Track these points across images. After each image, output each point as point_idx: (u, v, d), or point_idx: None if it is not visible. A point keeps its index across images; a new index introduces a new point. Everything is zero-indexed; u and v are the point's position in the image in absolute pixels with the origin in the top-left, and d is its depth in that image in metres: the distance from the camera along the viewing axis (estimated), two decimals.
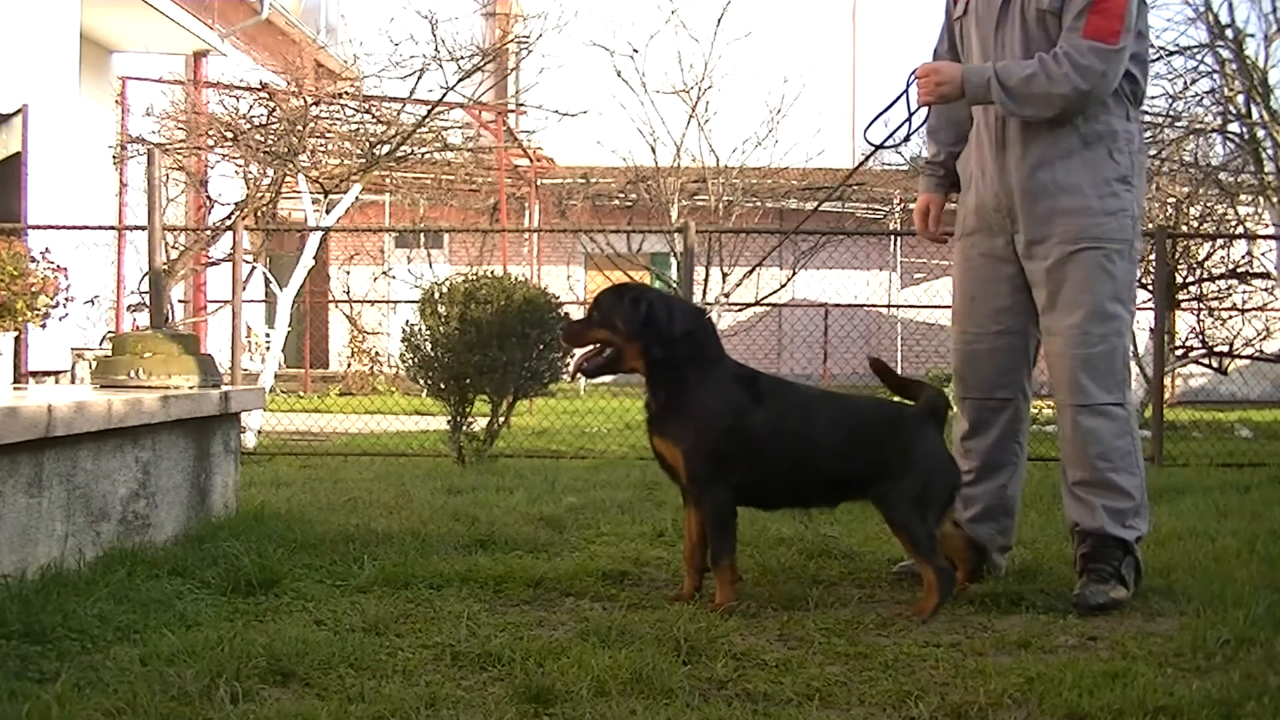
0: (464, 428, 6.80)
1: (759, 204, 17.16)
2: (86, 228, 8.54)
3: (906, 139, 3.52)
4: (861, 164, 4.21)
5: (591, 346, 3.35)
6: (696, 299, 9.28)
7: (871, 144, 3.59)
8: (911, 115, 3.45)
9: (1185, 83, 10.80)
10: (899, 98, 3.45)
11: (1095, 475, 3.28)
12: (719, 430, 3.20)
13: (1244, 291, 11.32)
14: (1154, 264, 7.62)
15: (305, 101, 9.54)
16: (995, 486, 3.53)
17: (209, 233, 9.61)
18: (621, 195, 18.40)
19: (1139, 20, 3.29)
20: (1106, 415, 3.27)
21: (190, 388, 4.11)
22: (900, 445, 3.24)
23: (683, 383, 3.24)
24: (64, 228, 7.90)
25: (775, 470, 3.24)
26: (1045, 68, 3.19)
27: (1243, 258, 11.26)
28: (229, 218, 9.40)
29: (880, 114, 3.52)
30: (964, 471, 3.48)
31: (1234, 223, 11.55)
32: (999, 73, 3.23)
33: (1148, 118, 10.01)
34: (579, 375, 3.47)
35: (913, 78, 3.38)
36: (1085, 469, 3.30)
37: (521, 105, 13.49)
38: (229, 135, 9.69)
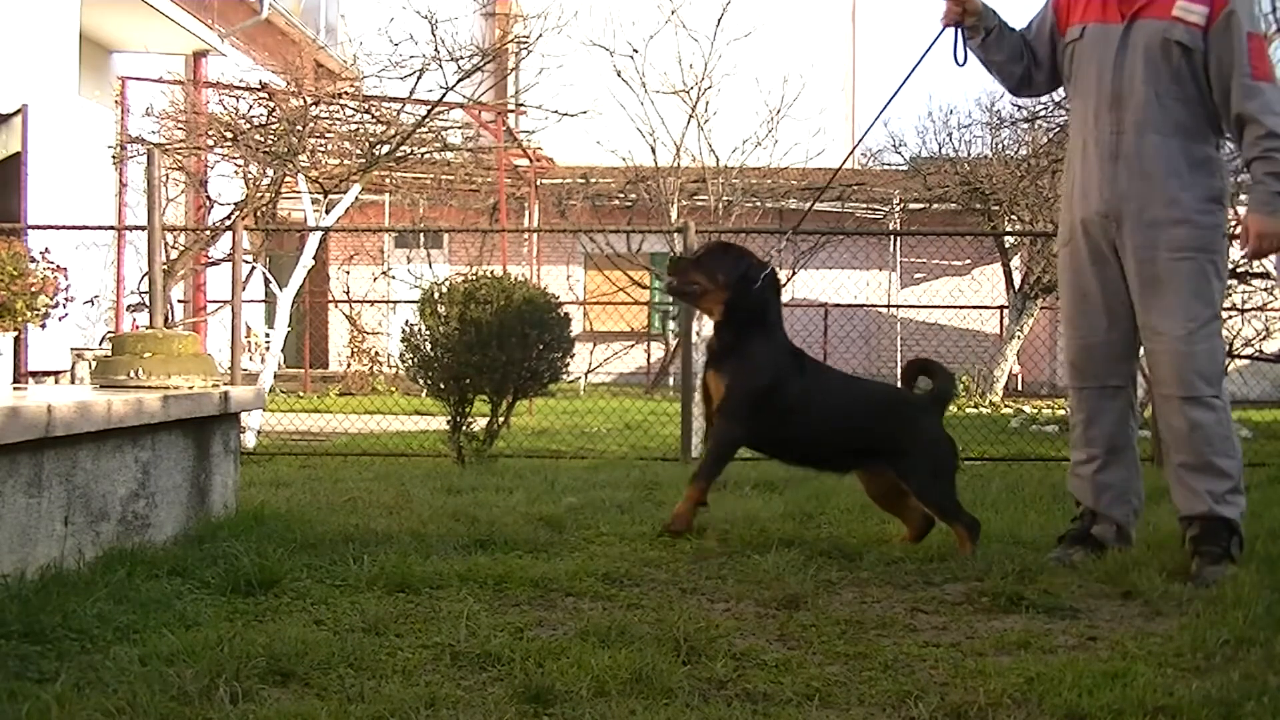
0: (464, 428, 6.79)
1: (759, 204, 17.17)
2: (86, 228, 8.54)
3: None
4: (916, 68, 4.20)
5: (687, 280, 3.99)
6: None
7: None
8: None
9: None
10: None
11: (1199, 459, 3.65)
12: (764, 381, 3.88)
13: (1244, 291, 11.31)
14: None
15: (305, 101, 9.54)
16: (1122, 470, 3.86)
17: (209, 233, 9.62)
18: (621, 195, 18.41)
19: None
20: (1209, 406, 3.64)
21: (190, 388, 4.11)
22: (909, 424, 3.92)
23: (746, 334, 3.93)
24: (64, 228, 7.89)
25: (802, 429, 3.91)
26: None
27: (1242, 258, 11.24)
28: (229, 218, 9.40)
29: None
30: (1087, 460, 3.86)
31: (1234, 223, 11.53)
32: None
33: None
34: (670, 293, 4.22)
35: None
36: (1190, 454, 3.66)
37: (521, 105, 13.48)
38: (229, 135, 9.70)
